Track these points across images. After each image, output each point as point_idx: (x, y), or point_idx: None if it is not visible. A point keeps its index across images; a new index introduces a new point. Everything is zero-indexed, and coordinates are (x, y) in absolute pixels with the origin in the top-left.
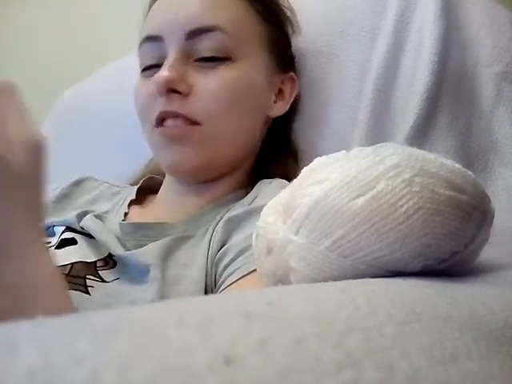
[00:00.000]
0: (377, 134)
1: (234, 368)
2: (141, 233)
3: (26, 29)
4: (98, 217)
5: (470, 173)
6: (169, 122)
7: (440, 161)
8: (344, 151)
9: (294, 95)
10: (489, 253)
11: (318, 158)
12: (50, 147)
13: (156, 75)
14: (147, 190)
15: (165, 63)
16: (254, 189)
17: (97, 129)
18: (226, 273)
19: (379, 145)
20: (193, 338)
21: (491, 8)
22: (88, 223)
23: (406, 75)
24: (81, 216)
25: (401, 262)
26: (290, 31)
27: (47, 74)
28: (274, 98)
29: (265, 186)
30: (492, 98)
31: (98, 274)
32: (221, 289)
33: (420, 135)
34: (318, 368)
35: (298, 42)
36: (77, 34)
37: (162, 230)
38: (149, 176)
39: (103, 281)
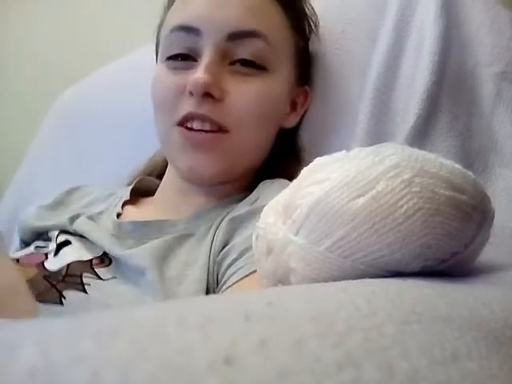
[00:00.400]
0: (377, 134)
1: (234, 368)
2: (141, 231)
3: (26, 29)
4: (91, 218)
5: (470, 173)
6: (195, 124)
7: (440, 161)
8: (344, 151)
9: (305, 108)
10: (489, 253)
11: (318, 158)
12: (50, 147)
13: (194, 77)
14: (141, 191)
15: (201, 63)
16: (257, 189)
17: (96, 129)
18: (228, 272)
19: (379, 145)
20: (193, 339)
21: (491, 7)
22: (80, 225)
23: (406, 75)
24: (73, 219)
25: (401, 263)
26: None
27: (47, 73)
28: (288, 109)
29: (267, 187)
30: (492, 97)
31: (94, 271)
32: (223, 288)
33: (420, 135)
34: (318, 368)
35: None
36: (77, 33)
37: (163, 228)
38: (141, 177)
39: (100, 278)
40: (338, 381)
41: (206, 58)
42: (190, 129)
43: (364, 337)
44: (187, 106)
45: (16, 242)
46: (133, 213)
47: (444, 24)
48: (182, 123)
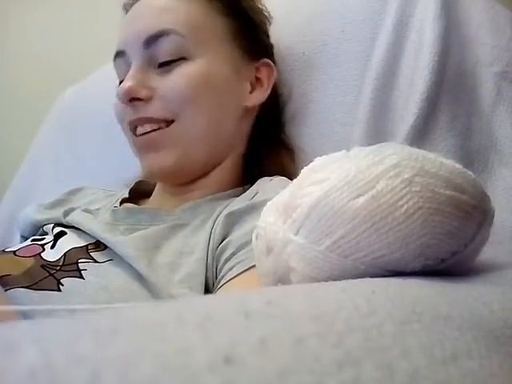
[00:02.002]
0: (377, 133)
1: (234, 367)
2: (135, 217)
3: (26, 29)
4: (87, 211)
5: (470, 173)
6: (139, 130)
7: (440, 160)
8: (344, 151)
9: (272, 81)
10: (489, 252)
11: (318, 157)
12: (50, 147)
13: (118, 88)
14: (140, 193)
15: (127, 75)
16: (255, 185)
17: (97, 129)
18: (226, 267)
19: (379, 144)
20: (193, 338)
21: (491, 7)
22: (74, 217)
23: (405, 75)
24: (68, 212)
25: (401, 262)
26: (264, 20)
27: (47, 73)
28: (249, 88)
29: (265, 183)
30: (492, 97)
31: (89, 255)
32: (221, 283)
33: (420, 135)
34: (318, 367)
35: (298, 42)
36: (77, 33)
37: (157, 216)
38: (140, 179)
39: (95, 261)
40: (338, 380)
41: (131, 70)
42: (138, 135)
43: (364, 336)
44: (127, 116)
45: (16, 240)
46: (129, 206)
47: (444, 24)
48: (133, 133)
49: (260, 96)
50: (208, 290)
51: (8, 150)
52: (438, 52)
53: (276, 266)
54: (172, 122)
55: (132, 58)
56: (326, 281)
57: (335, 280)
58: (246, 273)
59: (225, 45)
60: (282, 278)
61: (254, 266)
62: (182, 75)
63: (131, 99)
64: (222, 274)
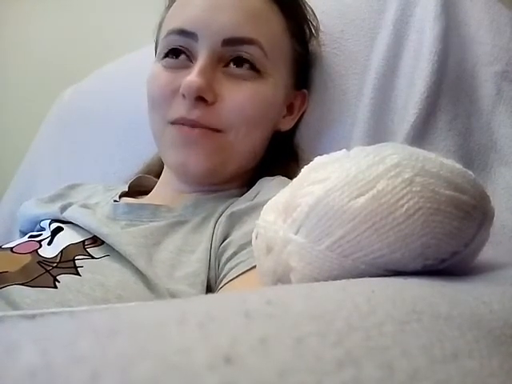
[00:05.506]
0: (377, 133)
1: (234, 367)
2: (135, 213)
3: (26, 29)
4: (85, 206)
5: (471, 172)
6: (186, 128)
7: (440, 160)
8: (344, 150)
9: (302, 111)
10: (489, 252)
11: (318, 157)
12: (50, 147)
13: (186, 80)
14: (139, 189)
15: (195, 66)
16: (256, 185)
17: (96, 128)
18: (228, 266)
19: (380, 144)
20: (193, 337)
21: (491, 7)
22: (71, 212)
23: (405, 74)
24: (65, 207)
25: (401, 262)
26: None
27: (47, 73)
28: (285, 112)
29: (267, 183)
30: (492, 97)
31: (86, 251)
32: (223, 282)
33: (420, 134)
34: (318, 367)
35: None
36: (77, 33)
37: (157, 212)
38: (140, 175)
39: (92, 257)
40: (338, 380)
41: (200, 61)
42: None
43: (364, 336)
44: (180, 110)
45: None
46: (129, 200)
47: (443, 24)
48: (175, 123)
49: (289, 122)
50: (210, 289)
51: (8, 149)
52: (437, 51)
53: (276, 266)
54: (219, 131)
55: (203, 47)
56: (326, 280)
57: (335, 279)
58: (248, 273)
59: (287, 68)
60: (281, 278)
61: (255, 266)
62: (251, 93)
63: (196, 98)
64: (223, 274)
